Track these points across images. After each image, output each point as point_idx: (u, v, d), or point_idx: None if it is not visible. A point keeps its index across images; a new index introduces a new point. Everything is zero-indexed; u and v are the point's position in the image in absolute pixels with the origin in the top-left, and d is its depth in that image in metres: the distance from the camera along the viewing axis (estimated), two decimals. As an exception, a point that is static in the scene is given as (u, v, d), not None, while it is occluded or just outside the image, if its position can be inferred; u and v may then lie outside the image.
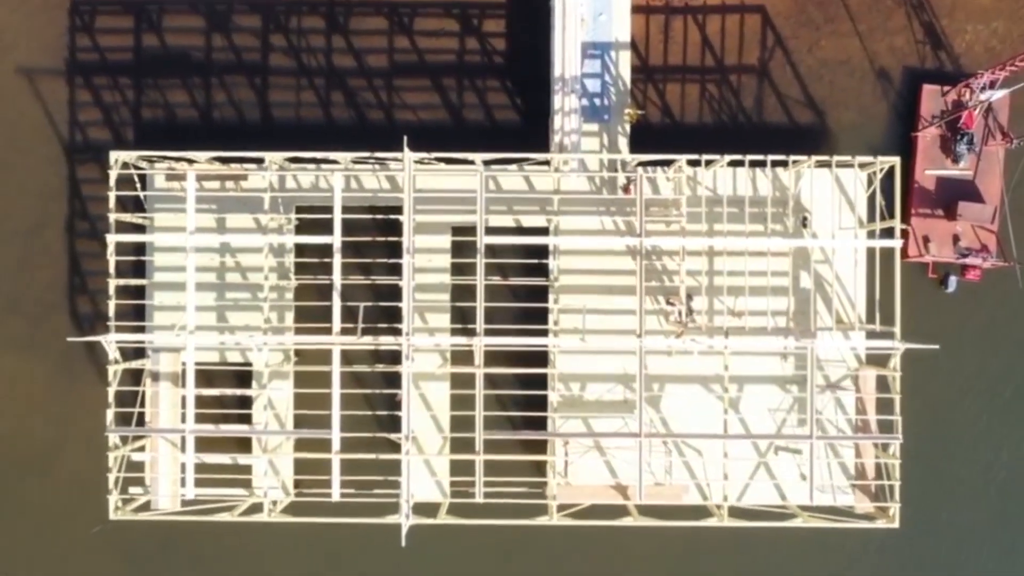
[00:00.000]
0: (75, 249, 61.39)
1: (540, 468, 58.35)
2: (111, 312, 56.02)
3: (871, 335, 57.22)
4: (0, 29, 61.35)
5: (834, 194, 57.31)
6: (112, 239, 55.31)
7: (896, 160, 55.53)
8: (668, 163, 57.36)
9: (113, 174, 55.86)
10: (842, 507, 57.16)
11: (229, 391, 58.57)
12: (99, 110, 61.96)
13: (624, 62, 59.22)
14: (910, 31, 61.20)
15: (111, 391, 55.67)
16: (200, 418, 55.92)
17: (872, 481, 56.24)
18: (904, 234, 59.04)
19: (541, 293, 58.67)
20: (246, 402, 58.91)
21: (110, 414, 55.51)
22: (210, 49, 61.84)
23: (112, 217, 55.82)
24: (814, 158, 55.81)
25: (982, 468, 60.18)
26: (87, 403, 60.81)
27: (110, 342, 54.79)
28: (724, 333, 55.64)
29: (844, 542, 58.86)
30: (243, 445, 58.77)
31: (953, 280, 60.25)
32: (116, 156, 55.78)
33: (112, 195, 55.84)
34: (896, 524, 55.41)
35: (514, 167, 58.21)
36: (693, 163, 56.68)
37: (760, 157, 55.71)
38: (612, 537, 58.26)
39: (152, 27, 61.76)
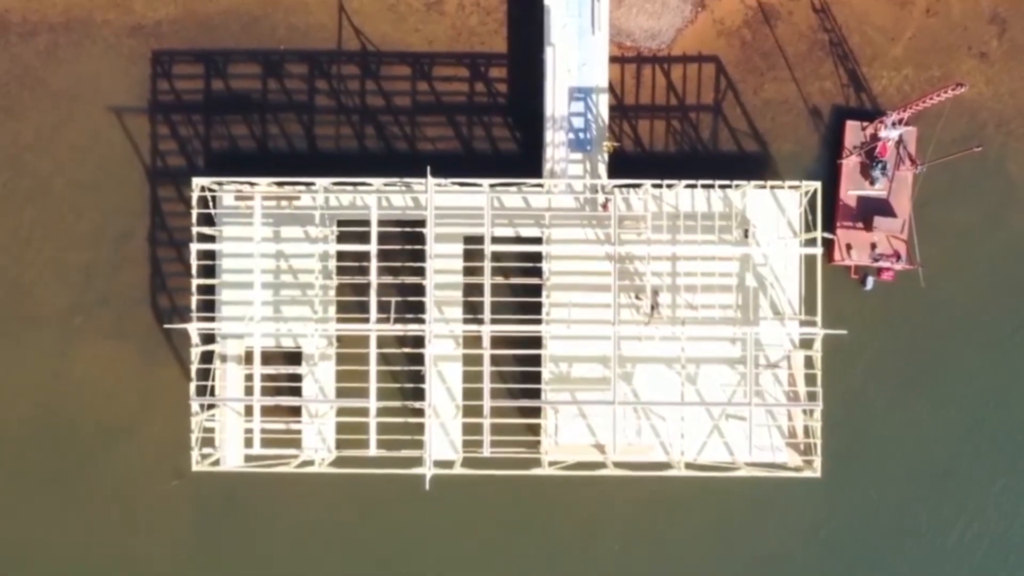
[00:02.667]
0: (156, 255, 72.12)
1: (535, 430, 69.44)
2: (193, 305, 67.43)
3: (801, 324, 68.40)
4: (94, 76, 72.51)
5: (771, 210, 68.98)
6: (194, 247, 66.72)
7: (818, 184, 66.60)
8: (638, 186, 67.80)
9: (195, 196, 67.12)
10: (778, 462, 68.30)
11: (284, 369, 69.69)
12: (175, 142, 72.59)
13: (603, 103, 69.36)
14: (837, 77, 72.46)
15: (193, 368, 66.91)
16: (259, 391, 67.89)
17: (800, 440, 68.31)
18: (830, 242, 71.06)
19: (536, 290, 69.14)
20: (295, 379, 69.75)
21: (193, 387, 66.96)
22: (266, 91, 72.70)
23: (194, 230, 67.19)
24: (753, 182, 67.48)
25: (890, 431, 71.14)
26: (164, 381, 71.56)
27: (194, 329, 67.13)
28: (682, 322, 68.01)
29: (780, 492, 70.67)
30: (294, 413, 69.98)
31: (871, 280, 71.33)
32: (197, 182, 67.15)
33: (194, 212, 67.29)
34: (818, 474, 66.62)
35: (514, 188, 68.90)
36: (657, 185, 67.45)
37: (710, 181, 67.30)
38: (592, 485, 69.10)
39: (219, 73, 72.62)
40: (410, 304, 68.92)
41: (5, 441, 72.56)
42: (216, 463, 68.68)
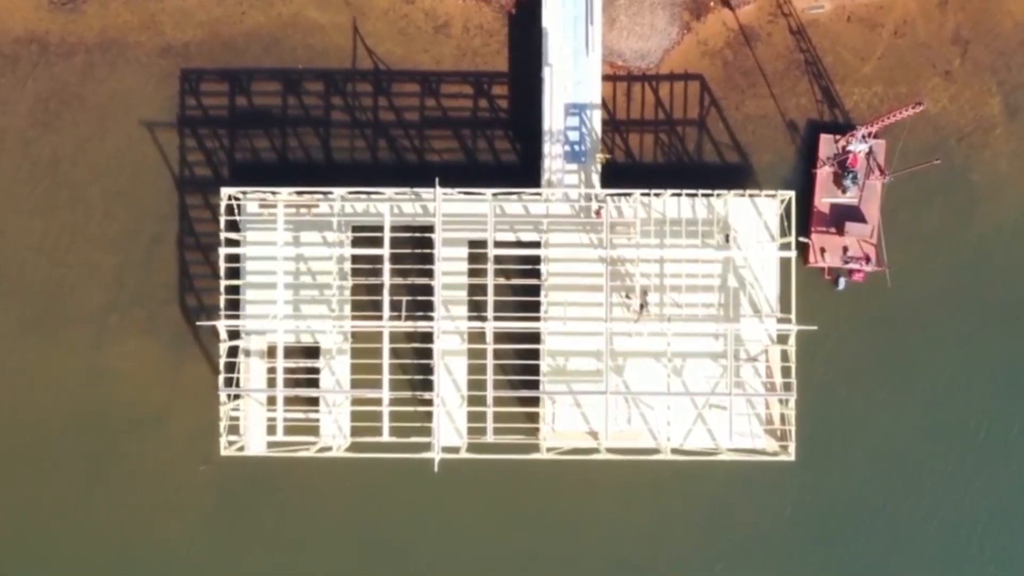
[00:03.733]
0: (184, 258, 78.16)
1: (533, 418, 75.42)
2: (221, 304, 73.30)
3: (778, 320, 73.84)
4: (127, 92, 78.63)
5: (750, 216, 74.85)
6: (222, 251, 72.72)
7: (792, 193, 72.64)
8: (628, 194, 73.74)
9: (223, 204, 73.13)
10: (756, 448, 74.22)
11: (304, 363, 75.34)
12: (202, 153, 78.68)
13: (596, 118, 75.43)
14: (812, 93, 78.59)
15: (222, 362, 72.82)
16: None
17: (776, 427, 74.15)
18: (805, 246, 76.90)
19: (535, 290, 75.02)
20: (313, 372, 75.58)
21: (221, 379, 72.98)
22: (286, 107, 78.89)
23: (222, 235, 73.15)
24: (734, 191, 73.59)
25: (857, 419, 77.30)
26: (191, 375, 77.79)
27: (222, 326, 72.78)
28: (668, 319, 73.67)
29: (760, 475, 76.32)
30: (312, 403, 75.81)
31: (843, 281, 77.38)
32: (225, 191, 73.27)
33: (223, 219, 73.19)
34: (792, 458, 72.83)
35: (515, 197, 74.84)
36: (646, 194, 73.35)
37: (695, 190, 73.26)
38: (586, 468, 74.78)
39: (242, 91, 78.80)
40: (419, 303, 75.14)
41: (46, 430, 78.74)
42: (241, 449, 74.86)
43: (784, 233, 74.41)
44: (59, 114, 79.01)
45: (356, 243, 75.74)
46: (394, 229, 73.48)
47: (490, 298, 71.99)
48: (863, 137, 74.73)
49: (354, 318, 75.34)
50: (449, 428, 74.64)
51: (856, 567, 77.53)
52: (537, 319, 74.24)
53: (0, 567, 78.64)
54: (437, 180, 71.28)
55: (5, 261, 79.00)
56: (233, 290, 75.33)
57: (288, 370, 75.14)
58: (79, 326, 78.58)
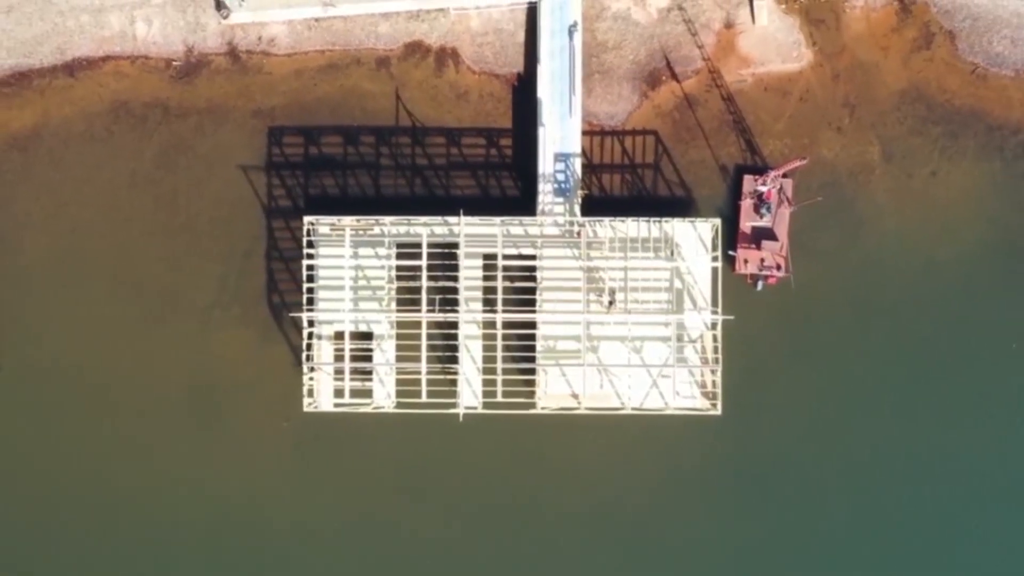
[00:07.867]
0: (270, 267, 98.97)
1: (531, 384, 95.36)
2: (304, 301, 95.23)
3: (712, 313, 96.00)
4: (227, 144, 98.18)
5: (691, 236, 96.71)
6: (304, 262, 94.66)
7: (719, 220, 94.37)
8: (601, 220, 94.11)
9: (304, 228, 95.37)
10: (695, 407, 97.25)
11: (362, 344, 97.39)
12: (284, 190, 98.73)
13: (577, 163, 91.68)
14: (738, 144, 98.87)
15: (304, 343, 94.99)
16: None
17: (709, 390, 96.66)
18: (733, 258, 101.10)
19: (532, 290, 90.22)
20: (368, 351, 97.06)
21: (304, 355, 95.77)
22: (346, 155, 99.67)
23: (305, 251, 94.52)
24: (677, 218, 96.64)
25: (771, 387, 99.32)
26: (275, 355, 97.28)
27: (304, 317, 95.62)
28: (629, 312, 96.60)
29: (696, 425, 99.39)
30: (367, 375, 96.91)
31: (760, 284, 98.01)
32: (307, 219, 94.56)
33: (305, 239, 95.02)
34: (719, 412, 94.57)
35: (517, 222, 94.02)
36: (614, 220, 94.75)
37: (646, 219, 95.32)
38: (570, 420, 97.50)
39: (314, 143, 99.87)
40: (447, 300, 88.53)
41: (163, 399, 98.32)
42: (316, 408, 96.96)
43: (715, 248, 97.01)
44: (176, 160, 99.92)
45: (400, 256, 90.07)
46: (429, 246, 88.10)
47: (499, 296, 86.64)
48: (772, 179, 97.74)
49: (399, 311, 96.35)
50: (469, 392, 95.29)
51: (763, 489, 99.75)
52: (533, 312, 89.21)
53: (131, 504, 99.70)
54: (462, 211, 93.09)
55: (133, 270, 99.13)
56: (310, 291, 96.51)
57: (350, 350, 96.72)
58: (189, 320, 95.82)
